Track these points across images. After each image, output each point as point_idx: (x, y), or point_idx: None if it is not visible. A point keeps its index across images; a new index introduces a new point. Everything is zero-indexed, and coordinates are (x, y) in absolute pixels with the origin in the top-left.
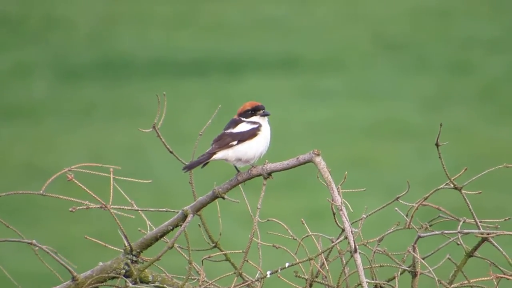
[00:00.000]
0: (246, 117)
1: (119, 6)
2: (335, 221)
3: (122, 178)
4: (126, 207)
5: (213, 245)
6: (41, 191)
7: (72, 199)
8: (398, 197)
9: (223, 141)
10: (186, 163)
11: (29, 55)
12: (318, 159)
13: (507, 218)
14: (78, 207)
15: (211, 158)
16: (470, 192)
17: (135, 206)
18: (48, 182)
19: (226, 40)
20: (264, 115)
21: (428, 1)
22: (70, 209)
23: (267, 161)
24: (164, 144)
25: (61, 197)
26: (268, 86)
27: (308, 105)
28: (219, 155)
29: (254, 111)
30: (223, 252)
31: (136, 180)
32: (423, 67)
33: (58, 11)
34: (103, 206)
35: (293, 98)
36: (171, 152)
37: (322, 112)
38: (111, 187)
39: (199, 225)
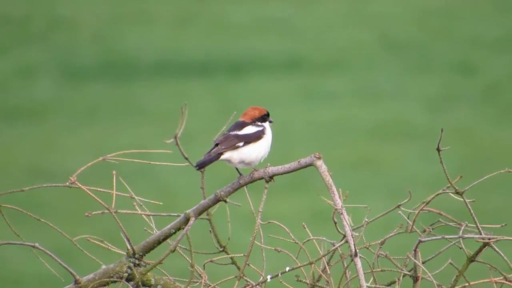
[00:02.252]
0: (263, 121)
1: (123, 7)
2: (337, 228)
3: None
4: (137, 212)
5: (221, 249)
6: (68, 183)
7: (102, 189)
8: (400, 205)
9: (230, 142)
10: (196, 162)
11: (33, 56)
12: (319, 163)
13: (503, 224)
14: (93, 212)
15: (218, 159)
16: (469, 200)
17: (146, 210)
18: (79, 171)
19: (230, 41)
20: (270, 122)
21: (432, 2)
22: (86, 214)
23: (268, 164)
24: (182, 153)
25: (89, 188)
26: (272, 87)
27: (312, 106)
28: (226, 155)
29: (267, 116)
30: (228, 256)
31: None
32: (428, 68)
33: (62, 11)
34: (107, 209)
35: (297, 99)
36: (186, 158)
37: (326, 113)
38: (114, 189)
39: (210, 230)
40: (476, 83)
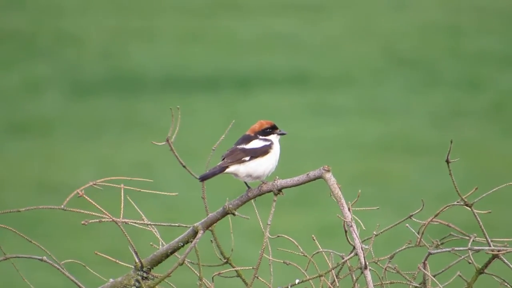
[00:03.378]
0: (265, 135)
1: (130, 22)
2: (347, 238)
3: (141, 190)
4: (137, 222)
5: (225, 261)
6: (62, 206)
7: (92, 213)
8: (411, 215)
9: (236, 156)
10: (199, 175)
11: (40, 71)
12: (328, 175)
13: None
14: (91, 220)
15: (224, 172)
16: (480, 211)
17: (146, 220)
18: (71, 196)
19: (237, 56)
20: (280, 134)
21: (438, 17)
22: (82, 222)
23: (277, 177)
24: (177, 157)
25: (82, 211)
26: (279, 102)
27: (319, 121)
28: (231, 169)
29: (272, 129)
30: (234, 269)
31: (155, 192)
32: (434, 83)
33: (69, 26)
34: (114, 220)
35: (304, 114)
36: (184, 166)
37: (332, 128)
38: (122, 201)
39: (211, 240)
40: (482, 99)
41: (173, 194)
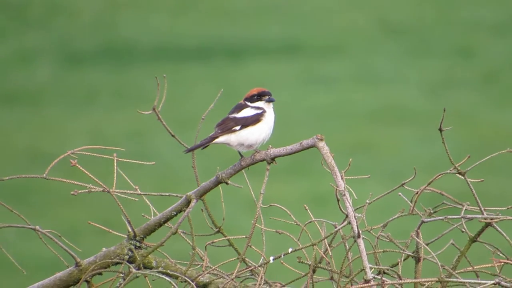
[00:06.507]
0: (252, 102)
1: None
2: (339, 207)
3: (125, 160)
4: (129, 191)
5: (216, 230)
6: (44, 175)
7: (74, 182)
8: (404, 183)
9: (226, 126)
10: (188, 147)
11: (32, 41)
12: (322, 144)
13: (510, 207)
14: (80, 191)
15: (213, 142)
16: (473, 180)
17: (138, 190)
18: (52, 165)
19: (229, 26)
20: (269, 101)
21: None
22: (72, 192)
23: (270, 146)
24: (165, 126)
25: (64, 180)
26: (271, 71)
27: (311, 90)
28: (221, 139)
29: (259, 96)
30: (226, 238)
31: (140, 162)
32: (427, 52)
33: None
34: (106, 190)
35: (296, 83)
36: (172, 135)
37: (324, 97)
38: (115, 171)
39: (202, 209)
40: (476, 67)
41: (150, 163)
